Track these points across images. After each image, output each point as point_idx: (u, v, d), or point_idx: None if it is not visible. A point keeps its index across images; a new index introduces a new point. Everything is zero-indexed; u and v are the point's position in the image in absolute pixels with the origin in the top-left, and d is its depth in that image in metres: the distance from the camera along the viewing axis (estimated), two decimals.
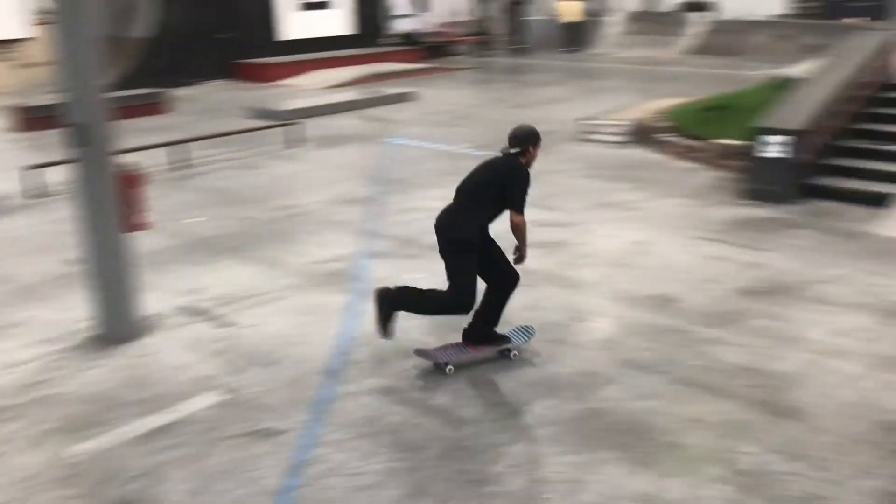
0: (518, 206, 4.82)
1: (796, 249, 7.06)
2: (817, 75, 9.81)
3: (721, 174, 9.54)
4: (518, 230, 4.87)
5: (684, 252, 7.06)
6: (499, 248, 5.10)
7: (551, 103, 15.10)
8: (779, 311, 5.78)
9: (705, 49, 20.84)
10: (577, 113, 12.71)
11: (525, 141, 4.93)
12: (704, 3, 23.45)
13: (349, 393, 4.84)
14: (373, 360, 5.23)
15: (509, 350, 5.28)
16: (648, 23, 23.09)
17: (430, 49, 22.78)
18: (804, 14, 21.16)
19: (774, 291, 6.15)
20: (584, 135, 11.83)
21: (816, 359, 5.08)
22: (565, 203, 8.63)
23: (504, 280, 5.11)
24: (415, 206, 8.57)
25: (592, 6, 23.99)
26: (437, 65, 21.32)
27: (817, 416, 4.45)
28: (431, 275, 6.63)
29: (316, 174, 10.47)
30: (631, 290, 6.26)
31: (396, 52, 21.91)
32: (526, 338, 5.38)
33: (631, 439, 4.27)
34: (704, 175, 9.65)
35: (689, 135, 10.65)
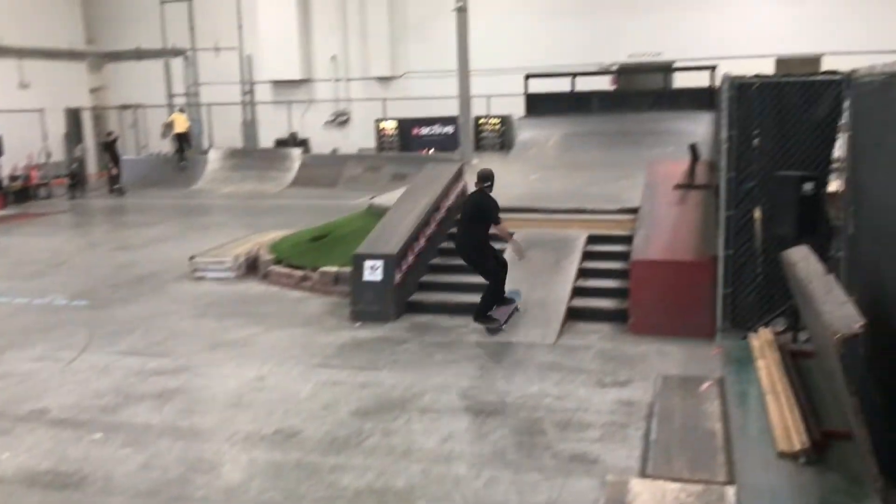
0: (496, 220, 8.10)
1: (403, 364, 7.58)
2: (404, 202, 10.85)
3: (331, 300, 9.96)
4: (501, 233, 8.22)
5: (301, 382, 7.16)
6: (493, 248, 8.33)
7: (157, 242, 14.61)
8: (392, 427, 6.10)
9: (306, 182, 21.94)
10: (184, 251, 12.44)
11: (490, 178, 8.30)
12: (300, 140, 24.88)
13: None
14: None
15: (517, 309, 8.40)
16: (250, 158, 23.76)
17: (15, 194, 20.85)
18: (387, 147, 23.48)
19: (387, 408, 6.49)
20: (195, 273, 11.59)
21: (429, 468, 5.42)
22: (177, 347, 8.28)
23: (501, 265, 8.36)
24: (3, 372, 7.57)
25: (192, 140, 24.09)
26: (24, 210, 19.55)
27: None
28: (25, 451, 5.87)
29: None
30: (252, 429, 6.14)
31: None
32: (518, 297, 8.49)
33: None
34: (316, 303, 9.99)
35: (297, 265, 10.99)
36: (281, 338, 8.60)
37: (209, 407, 6.69)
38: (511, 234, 8.41)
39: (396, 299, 9.13)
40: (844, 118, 7.13)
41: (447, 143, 22.10)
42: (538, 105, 18.57)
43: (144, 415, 6.53)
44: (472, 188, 9.92)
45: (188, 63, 26.02)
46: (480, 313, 8.29)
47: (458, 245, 8.51)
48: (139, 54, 26.18)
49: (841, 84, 7.07)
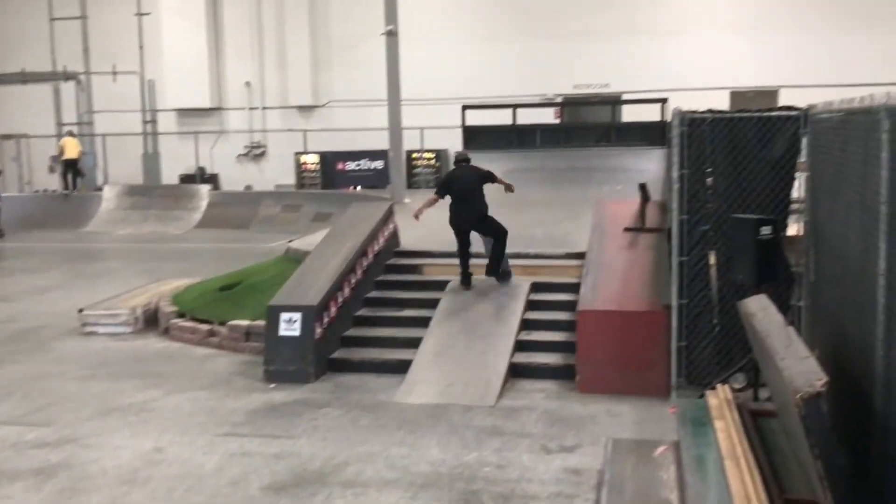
0: (494, 178, 10.26)
1: (323, 431, 7.47)
2: (327, 246, 10.79)
3: (242, 358, 9.82)
4: (504, 184, 10.51)
5: (206, 454, 6.98)
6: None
7: (40, 293, 14.25)
8: None
9: (215, 222, 21.75)
10: (73, 303, 12.16)
11: (468, 158, 10.60)
12: (209, 175, 24.68)
13: None
14: None
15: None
16: (151, 196, 23.45)
17: None
18: (308, 184, 23.46)
19: (305, 482, 6.37)
20: (85, 328, 11.32)
21: None
22: (62, 414, 8.02)
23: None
24: None
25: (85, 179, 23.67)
26: None
27: None
28: None
29: None
30: None
31: None
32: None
33: None
34: (224, 361, 9.82)
35: (203, 318, 10.81)
36: (183, 402, 8.41)
37: (98, 484, 6.47)
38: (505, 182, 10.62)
39: (316, 357, 9.03)
40: (803, 156, 7.41)
41: (376, 180, 22.23)
42: (477, 138, 18.84)
43: (20, 495, 6.27)
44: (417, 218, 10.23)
45: (81, 88, 25.71)
46: (495, 269, 10.00)
47: (465, 219, 10.01)
48: (24, 77, 25.74)
49: (798, 120, 7.37)
